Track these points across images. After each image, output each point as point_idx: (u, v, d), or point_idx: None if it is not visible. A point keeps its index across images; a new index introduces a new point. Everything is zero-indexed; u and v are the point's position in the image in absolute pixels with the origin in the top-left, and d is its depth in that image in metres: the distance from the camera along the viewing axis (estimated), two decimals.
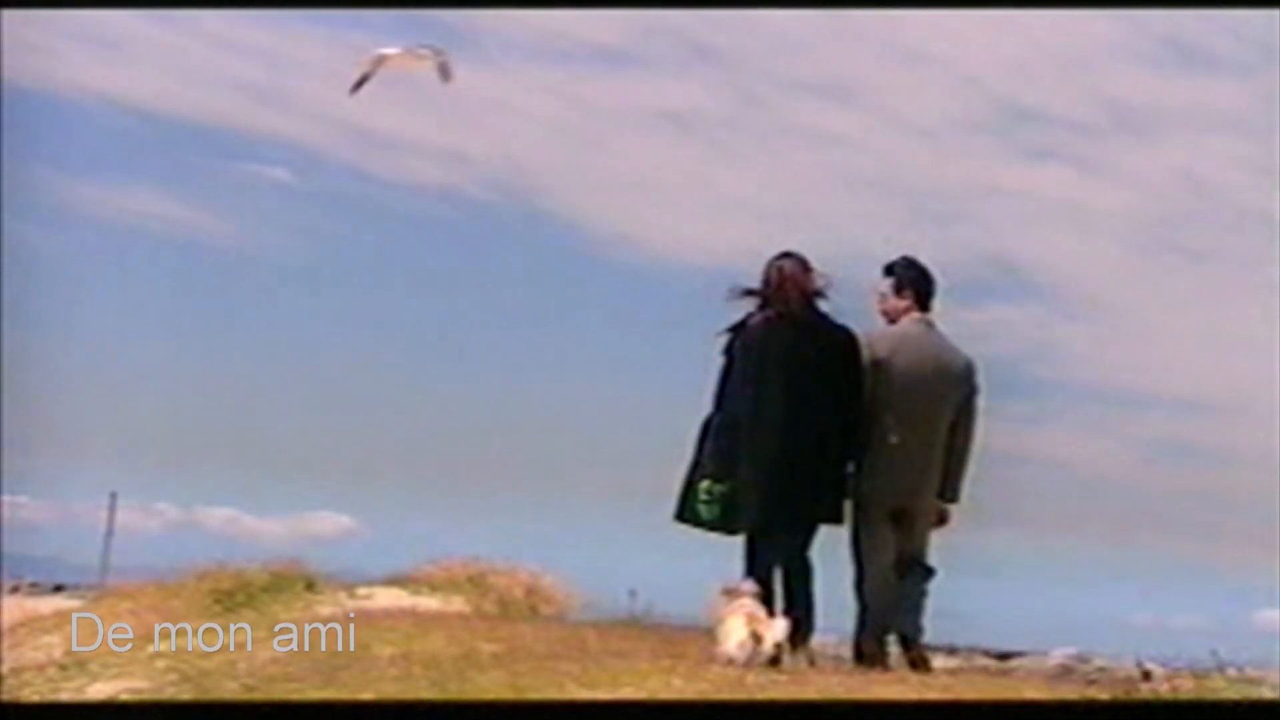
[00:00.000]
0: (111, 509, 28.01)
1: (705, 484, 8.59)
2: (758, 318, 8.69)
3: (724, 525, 8.66)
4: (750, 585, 8.35)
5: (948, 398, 8.75)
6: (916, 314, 8.86)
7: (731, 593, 8.32)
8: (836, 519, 8.71)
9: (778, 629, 8.10)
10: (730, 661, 8.04)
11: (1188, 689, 9.37)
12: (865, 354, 8.66)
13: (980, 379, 9.01)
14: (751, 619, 8.08)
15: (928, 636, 9.04)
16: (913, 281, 8.88)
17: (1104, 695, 8.44)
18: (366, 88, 11.00)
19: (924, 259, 9.02)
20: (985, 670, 14.10)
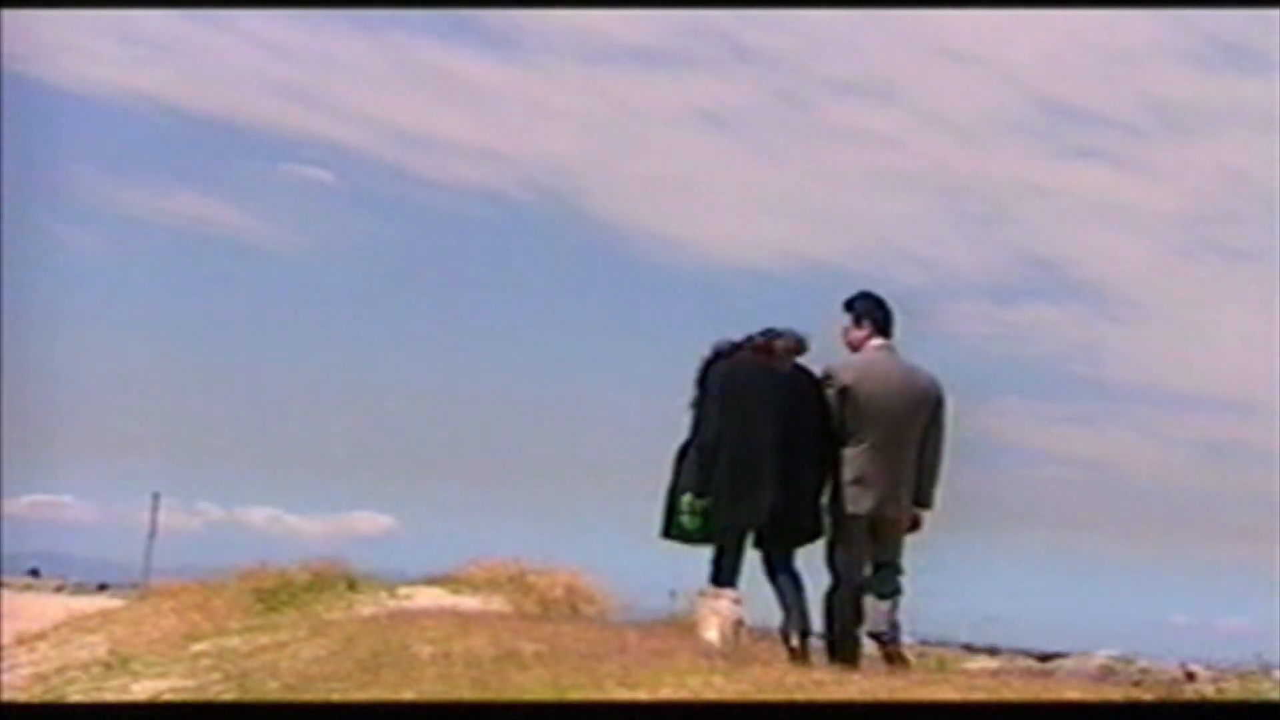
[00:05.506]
0: (154, 509, 28.32)
1: (687, 498, 9.08)
2: (728, 347, 9.31)
3: (705, 536, 9.14)
4: (730, 593, 9.02)
5: (914, 415, 9.27)
6: (877, 341, 9.41)
7: (708, 595, 9.02)
8: (814, 533, 9.18)
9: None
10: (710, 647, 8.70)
11: (1232, 690, 9.32)
12: (832, 381, 9.25)
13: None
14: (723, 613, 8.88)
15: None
16: (869, 312, 9.44)
17: (1148, 696, 8.40)
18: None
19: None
20: (1028, 671, 14.05)
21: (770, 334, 9.30)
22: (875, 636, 9.11)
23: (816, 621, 9.07)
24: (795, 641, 8.83)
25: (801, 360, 9.30)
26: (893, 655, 9.07)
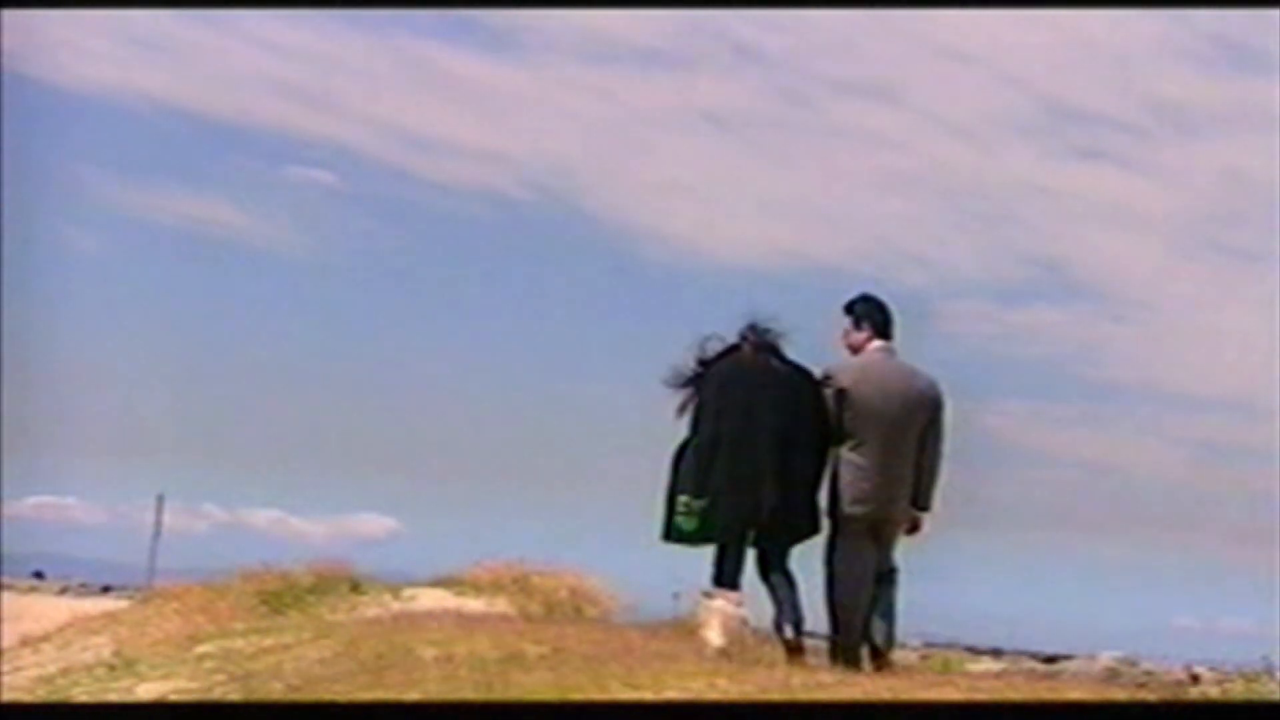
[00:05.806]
0: (158, 511, 28.35)
1: (684, 499, 9.11)
2: (719, 348, 9.32)
3: (702, 537, 9.16)
4: (732, 594, 9.09)
5: (912, 417, 9.30)
6: (877, 343, 9.44)
7: (710, 595, 9.10)
8: (811, 531, 9.23)
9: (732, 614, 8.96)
10: (716, 648, 8.78)
11: (1237, 692, 9.31)
12: (831, 383, 9.27)
13: (949, 396, 9.45)
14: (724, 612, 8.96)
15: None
16: (869, 314, 9.48)
17: (1152, 698, 8.40)
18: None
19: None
20: (1032, 673, 14.04)
21: (760, 330, 9.28)
22: (872, 648, 9.14)
23: (811, 619, 9.09)
24: (789, 633, 8.88)
25: (801, 361, 9.30)
26: (881, 664, 9.10)
